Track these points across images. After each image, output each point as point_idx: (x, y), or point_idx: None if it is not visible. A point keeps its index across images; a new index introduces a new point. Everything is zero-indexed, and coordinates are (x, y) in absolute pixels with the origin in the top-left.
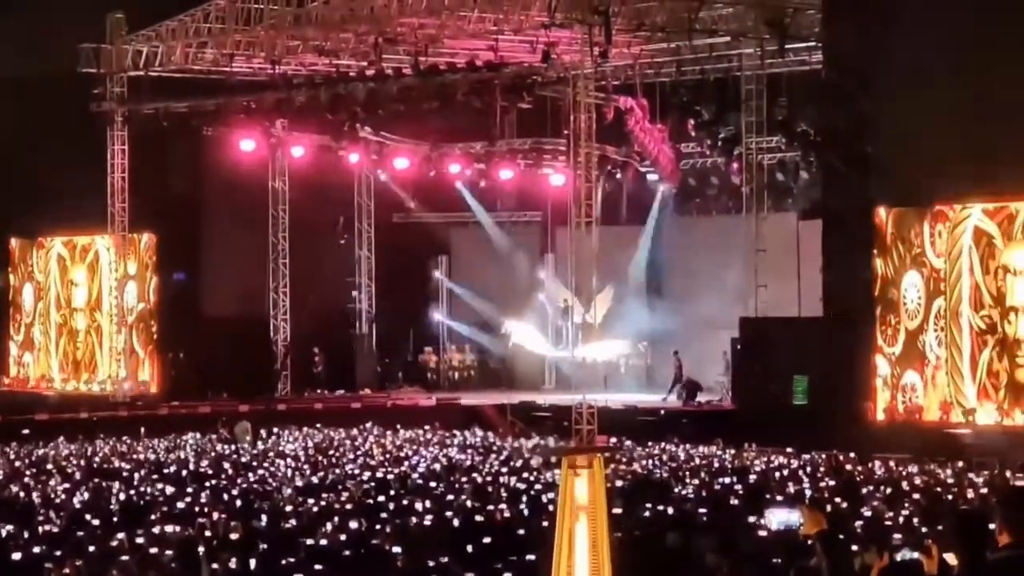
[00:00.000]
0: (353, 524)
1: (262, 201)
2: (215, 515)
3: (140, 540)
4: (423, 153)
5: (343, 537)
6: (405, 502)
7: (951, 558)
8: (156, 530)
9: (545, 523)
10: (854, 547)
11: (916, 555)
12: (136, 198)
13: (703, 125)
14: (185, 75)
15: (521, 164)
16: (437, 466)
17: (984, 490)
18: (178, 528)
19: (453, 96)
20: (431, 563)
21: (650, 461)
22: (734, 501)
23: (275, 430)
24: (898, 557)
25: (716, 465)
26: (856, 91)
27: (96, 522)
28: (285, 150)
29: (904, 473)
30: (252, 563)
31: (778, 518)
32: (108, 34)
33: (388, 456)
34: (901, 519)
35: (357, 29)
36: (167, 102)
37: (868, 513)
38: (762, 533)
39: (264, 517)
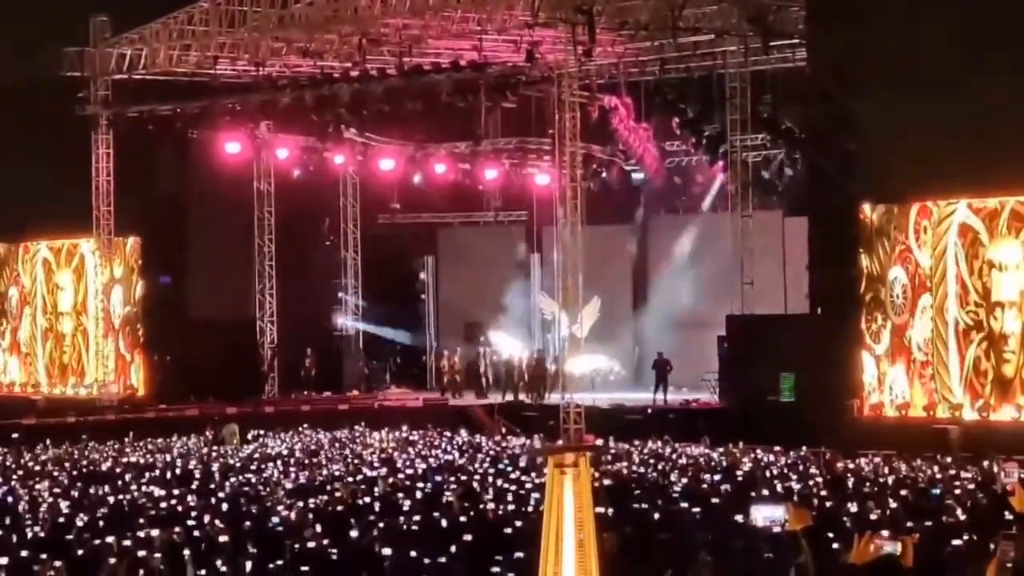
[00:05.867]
0: (342, 525)
1: (247, 203)
2: (203, 518)
3: (127, 543)
4: (408, 154)
5: (331, 538)
6: (394, 502)
7: None
8: (143, 534)
9: (534, 521)
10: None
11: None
12: (121, 201)
13: (688, 123)
14: (169, 78)
15: (506, 164)
16: (425, 466)
17: (971, 486)
18: (165, 531)
19: (438, 96)
20: (420, 563)
21: (637, 460)
22: (722, 498)
23: (261, 432)
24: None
25: (704, 463)
26: (840, 88)
27: (83, 526)
28: (270, 152)
29: (891, 469)
30: (240, 566)
31: (763, 514)
32: (92, 37)
33: (377, 456)
34: (888, 515)
35: (341, 30)
36: (151, 105)
37: (855, 509)
38: (752, 528)
39: (251, 519)
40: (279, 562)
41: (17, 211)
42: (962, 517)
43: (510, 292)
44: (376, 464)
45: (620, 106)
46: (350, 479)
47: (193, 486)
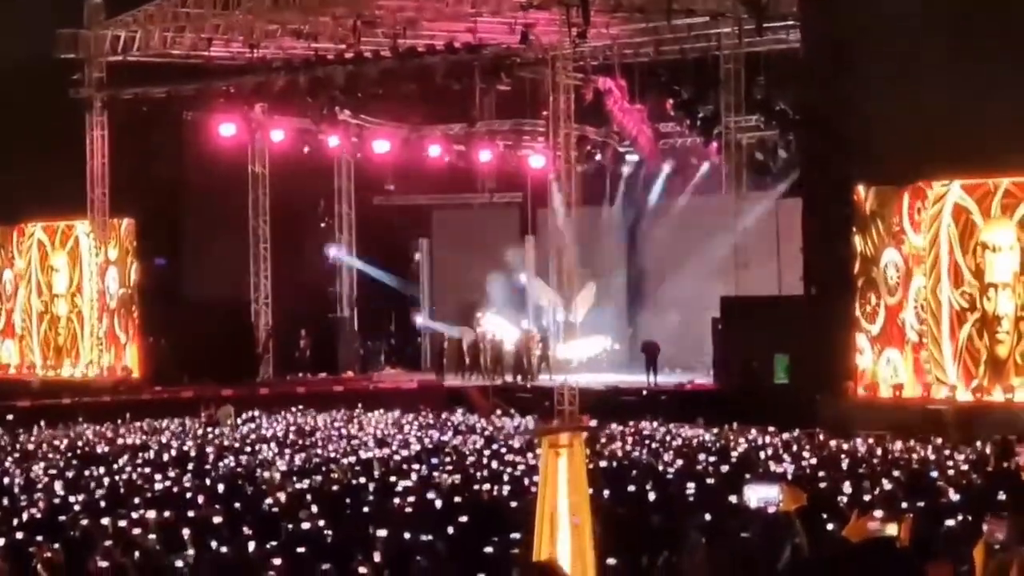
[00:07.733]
0: (337, 506)
1: (242, 185)
2: (198, 499)
3: (123, 524)
4: (403, 136)
5: (327, 519)
6: (389, 483)
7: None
8: (139, 515)
9: (528, 502)
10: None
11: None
12: (116, 183)
13: (682, 105)
14: (164, 60)
15: (500, 145)
16: (420, 447)
17: (965, 467)
18: (161, 513)
19: (432, 78)
20: (415, 544)
21: (632, 441)
22: (717, 480)
23: (256, 414)
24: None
25: (698, 444)
26: (834, 70)
27: (79, 507)
28: (265, 134)
29: (884, 450)
30: (235, 546)
31: (757, 494)
32: (86, 19)
33: (372, 438)
34: (882, 496)
35: (335, 12)
36: (146, 87)
37: (849, 490)
38: (746, 509)
39: (247, 501)
40: (274, 543)
41: (12, 193)
42: (955, 498)
43: (504, 274)
44: (371, 445)
45: (614, 88)
46: (345, 460)
47: (188, 467)
